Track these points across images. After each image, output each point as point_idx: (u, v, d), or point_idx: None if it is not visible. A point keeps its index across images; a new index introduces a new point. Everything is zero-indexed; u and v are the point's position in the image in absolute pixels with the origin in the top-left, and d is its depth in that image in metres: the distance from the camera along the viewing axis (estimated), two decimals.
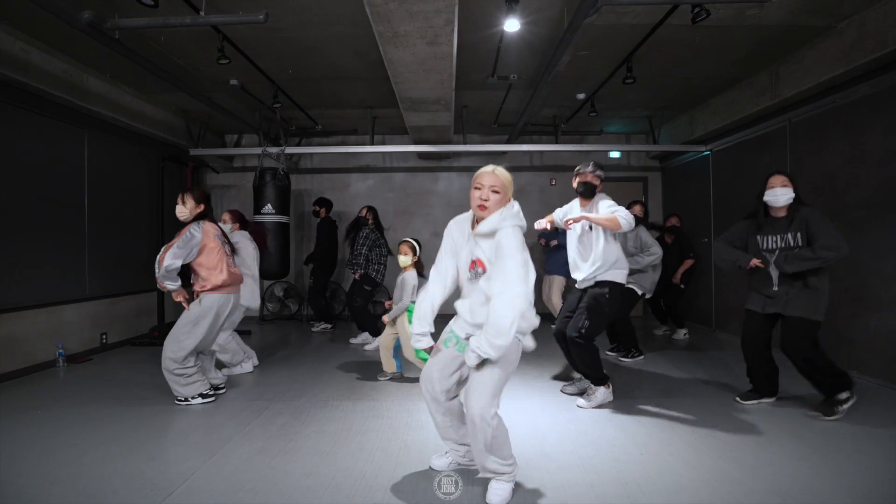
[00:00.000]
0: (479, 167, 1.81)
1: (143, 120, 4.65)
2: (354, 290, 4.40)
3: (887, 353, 3.15)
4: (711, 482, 1.88)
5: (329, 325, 5.33)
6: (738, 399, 2.85)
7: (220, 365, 3.35)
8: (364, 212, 4.60)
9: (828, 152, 3.66)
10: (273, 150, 5.13)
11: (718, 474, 1.94)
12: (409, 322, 3.15)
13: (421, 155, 6.25)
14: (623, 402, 2.84)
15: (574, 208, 2.91)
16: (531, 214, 6.54)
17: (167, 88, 4.41)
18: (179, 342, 2.76)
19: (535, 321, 1.77)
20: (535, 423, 2.52)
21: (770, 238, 2.66)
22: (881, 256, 3.20)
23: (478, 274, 1.75)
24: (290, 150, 5.32)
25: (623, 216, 2.60)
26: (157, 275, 2.74)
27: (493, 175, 1.74)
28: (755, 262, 2.65)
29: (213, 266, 2.82)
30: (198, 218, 2.84)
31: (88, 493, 1.82)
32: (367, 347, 4.34)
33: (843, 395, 2.58)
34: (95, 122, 4.17)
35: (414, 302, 3.22)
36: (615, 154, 6.19)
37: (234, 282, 2.94)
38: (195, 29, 3.26)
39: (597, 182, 2.80)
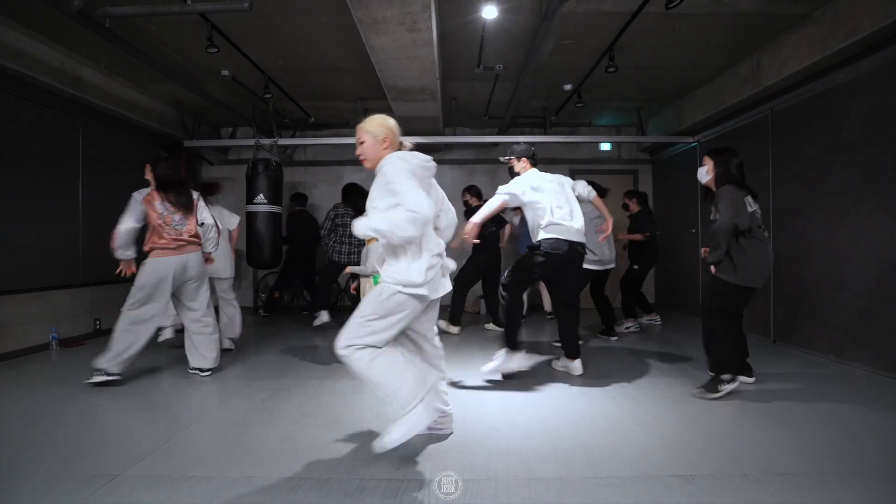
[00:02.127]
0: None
1: (137, 111, 4.73)
2: (333, 269, 4.68)
3: (863, 337, 3.18)
4: (673, 450, 1.93)
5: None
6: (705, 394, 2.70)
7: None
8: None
9: (807, 140, 3.70)
10: (266, 141, 5.21)
11: (680, 443, 1.99)
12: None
13: (411, 148, 6.30)
14: (598, 381, 2.89)
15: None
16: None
17: (161, 80, 4.48)
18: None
19: (416, 277, 1.75)
20: (509, 398, 2.58)
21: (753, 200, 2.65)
22: (856, 241, 3.24)
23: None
24: (282, 141, 5.39)
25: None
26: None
27: (358, 130, 1.87)
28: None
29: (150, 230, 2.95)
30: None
31: (67, 457, 1.89)
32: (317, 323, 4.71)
33: (726, 377, 2.57)
34: (90, 112, 4.25)
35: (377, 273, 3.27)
36: (606, 146, 6.24)
37: (167, 246, 2.95)
38: (185, 18, 3.33)
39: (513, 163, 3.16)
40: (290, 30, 3.58)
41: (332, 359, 3.42)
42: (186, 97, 5.05)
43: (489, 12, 2.96)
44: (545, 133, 5.61)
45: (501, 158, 3.31)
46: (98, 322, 4.32)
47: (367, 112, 5.50)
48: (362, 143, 1.84)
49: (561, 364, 3.12)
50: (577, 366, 3.02)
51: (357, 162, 6.63)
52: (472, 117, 5.88)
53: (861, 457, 1.87)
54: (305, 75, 4.52)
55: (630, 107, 5.59)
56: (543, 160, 6.39)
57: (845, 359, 3.29)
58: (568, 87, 4.75)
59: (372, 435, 2.06)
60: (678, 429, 2.15)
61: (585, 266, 3.65)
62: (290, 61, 4.18)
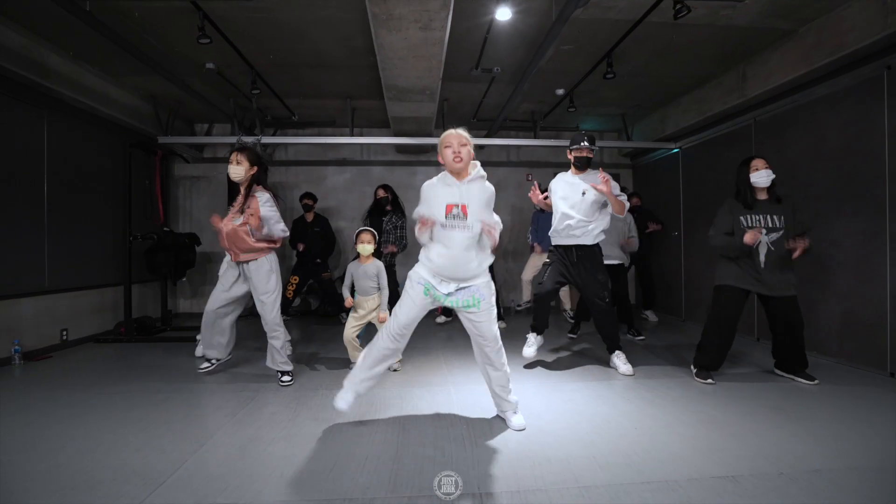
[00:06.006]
0: None
1: (108, 103, 4.39)
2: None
3: (844, 335, 3.40)
4: (706, 451, 1.95)
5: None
6: (705, 380, 2.95)
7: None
8: (382, 192, 4.59)
9: (790, 148, 3.91)
10: (249, 139, 4.96)
11: (710, 444, 2.02)
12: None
13: (399, 148, 6.21)
14: (610, 383, 2.92)
15: (565, 179, 3.21)
16: (508, 209, 6.72)
17: (135, 70, 4.18)
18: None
19: None
20: (528, 404, 2.55)
21: (753, 217, 2.85)
22: (838, 245, 3.45)
23: (457, 217, 2.05)
24: (266, 139, 5.15)
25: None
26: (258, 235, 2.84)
27: (460, 136, 2.08)
28: (754, 234, 2.75)
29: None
30: (253, 180, 2.88)
31: (70, 486, 1.70)
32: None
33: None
34: (56, 104, 3.90)
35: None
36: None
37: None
38: (172, 4, 3.12)
39: (591, 155, 3.17)
40: (286, 23, 3.41)
41: (334, 367, 3.32)
42: (161, 90, 4.74)
43: (503, 14, 2.94)
44: (535, 136, 5.66)
45: (582, 144, 3.14)
46: (65, 333, 3.95)
47: (355, 111, 5.45)
48: (465, 145, 2.07)
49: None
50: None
51: (339, 163, 6.52)
52: (460, 119, 5.84)
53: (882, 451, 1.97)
54: (295, 71, 4.34)
55: (615, 113, 5.74)
56: (529, 163, 6.50)
57: (828, 356, 3.50)
58: (560, 91, 4.81)
59: (400, 448, 1.98)
60: (703, 430, 2.19)
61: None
62: (282, 56, 4.00)
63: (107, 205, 4.48)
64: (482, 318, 2.14)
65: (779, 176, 3.88)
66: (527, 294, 5.32)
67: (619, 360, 3.17)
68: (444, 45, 3.05)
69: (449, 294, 2.11)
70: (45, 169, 3.79)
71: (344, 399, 2.22)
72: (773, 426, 2.23)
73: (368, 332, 3.44)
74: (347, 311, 5.02)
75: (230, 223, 2.81)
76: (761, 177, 2.86)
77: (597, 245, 3.19)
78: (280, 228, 2.88)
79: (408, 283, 2.18)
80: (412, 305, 2.14)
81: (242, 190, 2.89)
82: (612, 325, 3.19)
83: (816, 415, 2.38)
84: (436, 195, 2.10)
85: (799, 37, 3.53)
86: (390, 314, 2.23)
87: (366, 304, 3.21)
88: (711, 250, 3.10)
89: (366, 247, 3.16)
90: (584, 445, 2.02)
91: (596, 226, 3.12)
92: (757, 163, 2.89)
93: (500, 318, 4.76)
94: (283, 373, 2.95)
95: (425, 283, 2.12)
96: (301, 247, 5.18)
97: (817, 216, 3.60)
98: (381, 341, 2.19)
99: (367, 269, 3.19)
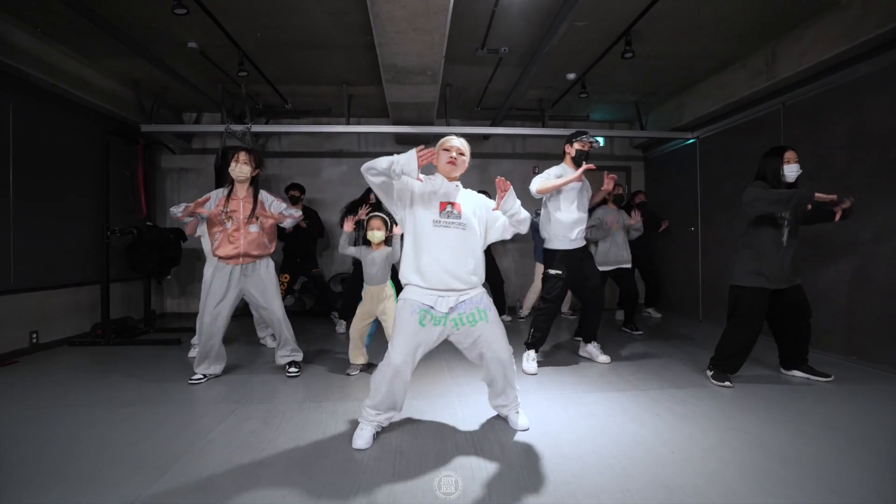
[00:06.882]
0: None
1: (83, 87, 4.06)
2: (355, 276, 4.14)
3: (890, 338, 3.07)
4: (762, 482, 1.64)
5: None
6: (723, 383, 2.79)
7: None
8: (374, 198, 4.26)
9: (824, 136, 3.58)
10: (237, 127, 4.64)
11: (765, 473, 1.71)
12: (395, 300, 2.91)
13: (398, 139, 5.88)
14: (633, 394, 2.61)
15: (567, 173, 3.07)
16: None
17: (113, 52, 3.86)
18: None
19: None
20: (545, 421, 2.24)
21: None
22: (884, 240, 3.13)
23: (451, 214, 1.97)
24: (256, 128, 4.83)
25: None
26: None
27: (462, 145, 2.06)
28: (831, 198, 2.55)
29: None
30: (253, 181, 2.92)
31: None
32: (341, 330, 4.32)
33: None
34: (22, 85, 3.58)
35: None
36: (600, 141, 6.03)
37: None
38: None
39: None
40: None
41: (326, 374, 3.01)
42: (144, 74, 4.42)
43: None
44: (543, 126, 5.32)
45: (587, 139, 3.13)
46: (35, 335, 3.64)
47: (352, 98, 5.12)
48: (464, 155, 2.06)
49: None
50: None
51: (335, 154, 6.14)
52: (463, 108, 5.52)
53: None
54: (286, 53, 4.01)
55: (628, 100, 5.39)
56: (536, 155, 6.16)
57: (870, 361, 3.17)
58: (572, 75, 4.48)
59: (396, 477, 1.67)
60: (752, 454, 1.87)
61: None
62: (270, 35, 3.67)
63: (83, 197, 4.17)
64: (494, 330, 1.98)
65: (811, 166, 3.59)
66: (528, 305, 5.10)
67: (597, 349, 3.32)
68: (448, 14, 2.73)
69: (450, 313, 1.94)
70: (11, 155, 3.47)
71: (361, 437, 1.96)
72: (833, 450, 1.91)
73: (377, 336, 3.19)
74: (340, 311, 4.74)
75: (248, 232, 2.82)
76: (792, 171, 2.72)
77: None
78: (298, 216, 2.98)
79: (399, 313, 1.95)
80: (406, 335, 1.90)
81: (245, 191, 2.89)
82: (600, 317, 3.32)
83: (879, 435, 2.06)
84: (432, 190, 2.01)
85: (840, 8, 3.19)
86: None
87: (372, 294, 2.98)
88: (746, 216, 2.85)
89: (375, 234, 2.95)
90: (615, 476, 1.70)
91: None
92: (790, 155, 2.75)
93: (503, 312, 4.88)
94: (292, 363, 2.98)
95: (419, 309, 1.92)
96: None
97: (859, 209, 3.25)
98: (379, 380, 1.95)
99: (375, 257, 2.97)
